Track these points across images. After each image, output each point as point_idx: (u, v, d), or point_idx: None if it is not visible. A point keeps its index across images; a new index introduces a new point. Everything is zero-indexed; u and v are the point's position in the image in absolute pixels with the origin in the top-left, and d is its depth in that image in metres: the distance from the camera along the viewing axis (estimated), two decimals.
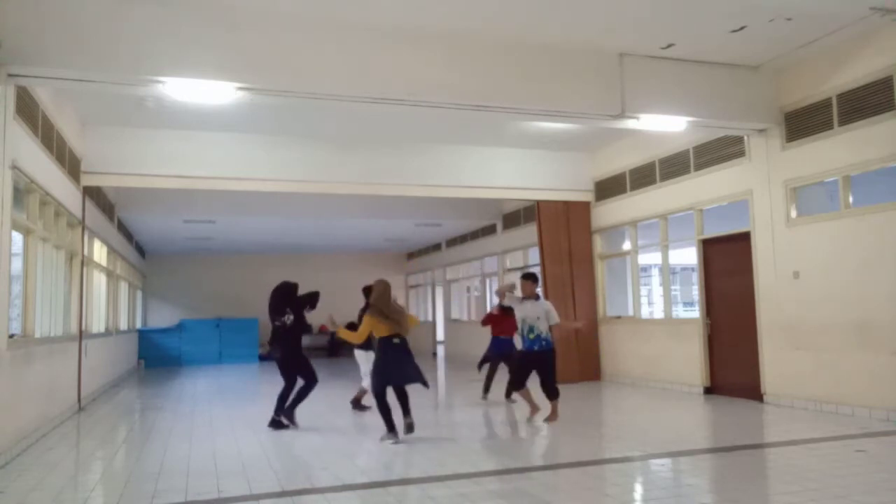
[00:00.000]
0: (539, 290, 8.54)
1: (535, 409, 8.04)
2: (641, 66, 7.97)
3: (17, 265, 7.16)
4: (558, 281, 12.11)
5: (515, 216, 15.19)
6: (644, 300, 17.17)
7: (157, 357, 19.07)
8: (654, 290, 24.73)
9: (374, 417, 8.53)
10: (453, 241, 19.62)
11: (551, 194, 12.31)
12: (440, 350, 21.16)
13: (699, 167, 9.99)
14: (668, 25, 7.26)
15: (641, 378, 11.17)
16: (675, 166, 10.49)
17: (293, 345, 8.03)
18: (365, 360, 8.86)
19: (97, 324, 12.18)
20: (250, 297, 21.14)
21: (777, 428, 7.46)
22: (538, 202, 12.39)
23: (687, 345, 10.20)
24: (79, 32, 6.26)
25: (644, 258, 13.06)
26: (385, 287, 7.20)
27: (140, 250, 19.54)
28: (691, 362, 10.09)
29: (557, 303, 11.95)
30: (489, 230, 16.83)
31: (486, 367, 9.88)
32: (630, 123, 8.25)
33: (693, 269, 11.38)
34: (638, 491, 5.20)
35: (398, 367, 7.01)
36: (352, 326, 8.05)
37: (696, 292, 10.63)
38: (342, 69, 7.05)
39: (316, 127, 10.58)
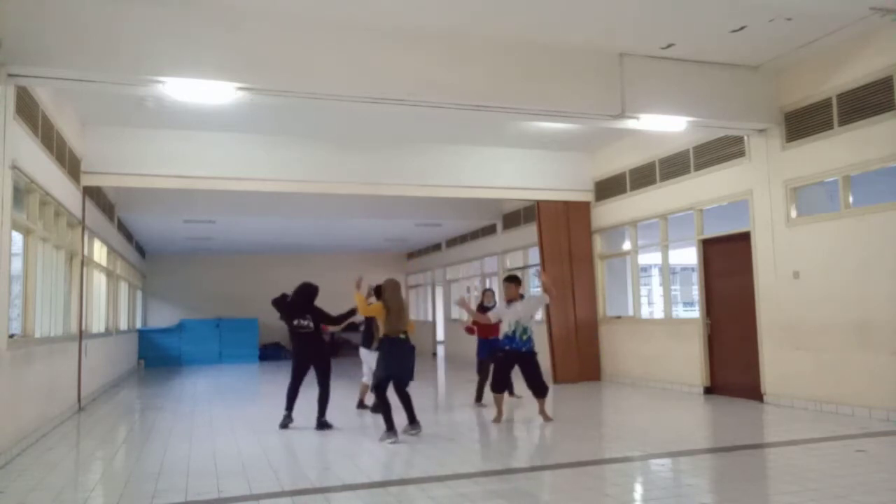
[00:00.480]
0: (539, 292, 8.51)
1: (501, 415, 7.97)
2: (641, 66, 7.97)
3: (17, 265, 7.16)
4: (558, 281, 12.10)
5: (515, 216, 15.19)
6: (644, 300, 17.17)
7: (157, 357, 19.08)
8: (654, 290, 24.73)
9: (375, 418, 8.54)
10: (453, 241, 19.62)
11: (551, 194, 12.31)
12: (440, 350, 21.16)
13: (699, 167, 9.99)
14: (668, 25, 7.26)
15: (641, 378, 11.17)
16: (675, 166, 10.49)
17: (319, 346, 8.11)
18: (368, 360, 8.85)
19: (97, 324, 12.18)
20: (250, 297, 21.16)
21: (777, 428, 7.46)
22: (538, 202, 12.39)
23: (687, 345, 10.20)
24: (79, 32, 6.26)
25: (644, 258, 13.06)
26: (396, 285, 7.43)
27: (140, 250, 19.54)
28: (691, 362, 10.09)
29: (557, 302, 12.00)
30: (489, 230, 16.83)
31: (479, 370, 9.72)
32: (630, 123, 8.25)
33: (693, 269, 11.39)
34: (638, 491, 5.20)
35: (401, 363, 7.13)
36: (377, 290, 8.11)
37: (696, 292, 10.63)
38: (342, 69, 7.05)
39: (316, 127, 10.58)
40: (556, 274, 12.12)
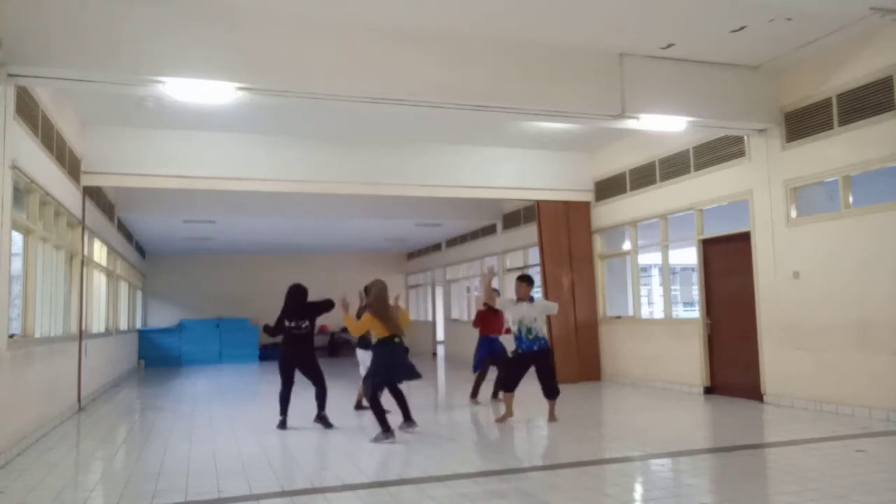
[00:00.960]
0: (539, 291, 8.51)
1: (509, 415, 7.98)
2: (641, 66, 7.97)
3: (17, 265, 7.16)
4: (558, 281, 12.11)
5: (515, 216, 15.19)
6: (644, 300, 17.18)
7: (157, 357, 19.08)
8: (654, 290, 24.72)
9: (374, 418, 8.55)
10: (453, 241, 19.62)
11: (551, 194, 12.31)
12: (440, 350, 21.16)
13: (699, 167, 9.99)
14: (668, 25, 7.26)
15: (641, 378, 11.17)
16: (675, 166, 10.49)
17: (308, 349, 8.07)
18: (365, 360, 8.85)
19: (97, 324, 12.18)
20: (250, 297, 21.21)
21: (777, 428, 7.46)
22: (538, 202, 12.39)
23: (687, 345, 10.20)
24: (79, 32, 6.26)
25: (644, 258, 13.06)
26: (382, 287, 7.28)
27: (140, 250, 19.54)
28: (691, 362, 10.09)
29: (557, 303, 11.98)
30: (489, 230, 16.83)
31: (477, 368, 9.75)
32: (630, 123, 8.25)
33: (693, 269, 11.39)
34: (638, 491, 5.20)
35: (394, 367, 7.12)
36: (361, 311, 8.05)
37: (696, 292, 10.63)
38: (342, 69, 7.05)
39: (316, 127, 10.58)
40: (556, 274, 12.14)
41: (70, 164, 9.12)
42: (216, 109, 8.97)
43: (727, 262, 9.63)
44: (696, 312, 10.48)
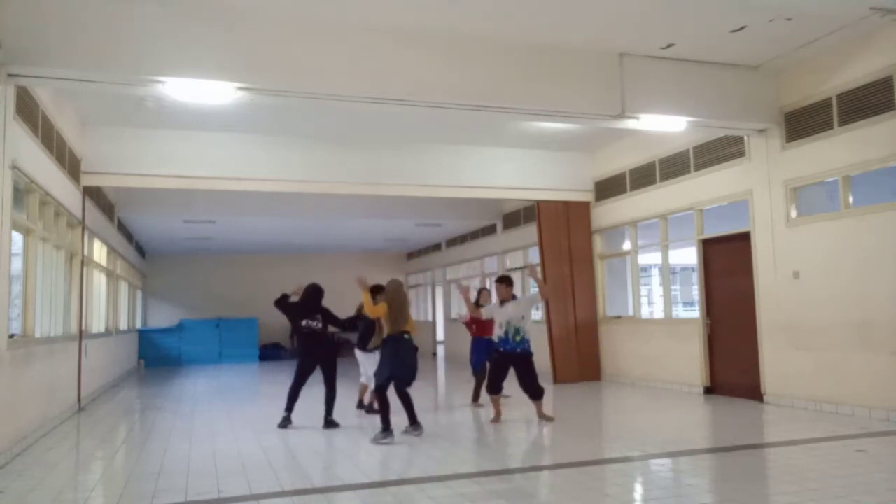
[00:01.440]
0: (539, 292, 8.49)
1: (499, 415, 7.97)
2: (641, 66, 7.97)
3: (17, 265, 7.16)
4: (558, 281, 12.11)
5: (515, 216, 15.18)
6: (644, 300, 17.17)
7: (157, 357, 19.09)
8: (654, 290, 24.71)
9: (372, 418, 8.55)
10: (453, 241, 19.62)
11: (551, 194, 12.31)
12: (440, 350, 21.17)
13: (699, 167, 9.99)
14: (668, 25, 7.26)
15: (641, 378, 11.17)
16: (675, 166, 10.49)
17: (330, 347, 8.26)
18: (364, 361, 8.87)
19: (97, 324, 12.18)
20: (250, 297, 21.19)
21: (777, 428, 7.46)
22: (538, 202, 12.39)
23: (687, 345, 10.20)
24: (79, 32, 6.26)
25: (644, 258, 13.06)
26: (400, 286, 7.42)
27: (140, 250, 19.54)
28: (691, 362, 10.09)
29: (557, 303, 12.00)
30: (489, 230, 16.83)
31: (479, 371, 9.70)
32: (630, 123, 8.25)
33: (693, 269, 11.38)
34: (638, 491, 5.20)
35: (404, 362, 7.13)
36: (375, 290, 8.05)
37: (696, 292, 10.63)
38: (342, 69, 7.05)
39: (316, 127, 10.58)
40: (556, 274, 12.14)
41: (70, 164, 9.12)
42: (216, 109, 8.97)
43: (727, 262, 9.63)
44: (696, 312, 10.48)
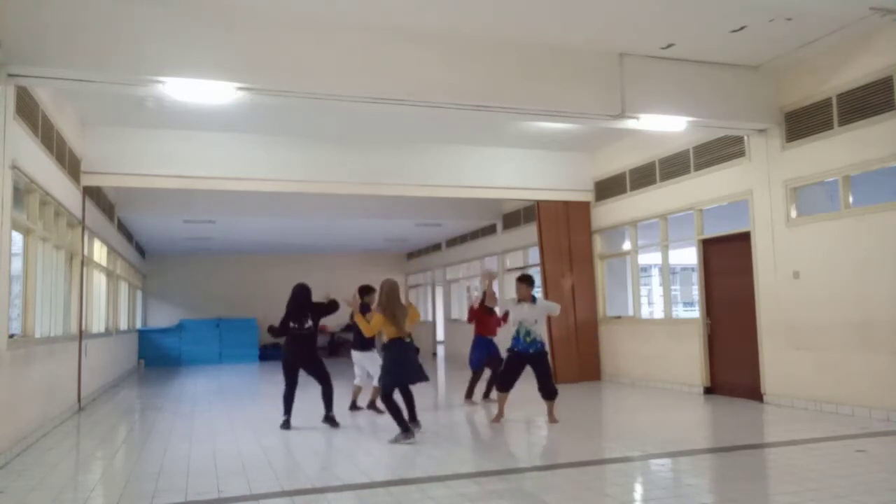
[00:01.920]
0: (539, 292, 8.49)
1: (501, 415, 7.96)
2: (641, 66, 7.97)
3: (17, 265, 7.15)
4: (558, 281, 12.10)
5: (515, 216, 15.19)
6: (644, 300, 17.17)
7: (157, 357, 19.09)
8: (654, 290, 24.71)
9: (371, 417, 8.55)
10: (453, 241, 19.62)
11: (551, 194, 12.31)
12: (440, 350, 21.17)
13: (699, 167, 9.99)
14: (668, 25, 7.26)
15: (641, 378, 11.17)
16: (675, 166, 10.49)
17: (311, 349, 8.10)
18: (361, 361, 8.85)
19: (97, 324, 12.18)
20: (250, 297, 21.21)
21: (777, 428, 7.46)
22: (538, 202, 12.39)
23: (687, 345, 10.20)
24: (79, 32, 6.25)
25: (644, 258, 13.06)
26: (393, 286, 7.25)
27: (140, 250, 19.54)
28: (691, 362, 10.09)
29: (557, 303, 11.97)
30: (489, 230, 16.83)
31: (477, 367, 9.71)
32: (630, 123, 8.25)
33: (693, 269, 11.38)
34: (638, 491, 5.20)
35: (407, 367, 7.08)
36: (364, 291, 8.05)
37: (696, 292, 10.63)
38: (342, 69, 7.05)
39: (316, 127, 10.58)
40: (556, 274, 12.13)
41: (70, 164, 9.12)
42: (216, 109, 8.97)
43: (727, 262, 9.63)
44: (696, 312, 10.48)
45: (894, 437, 6.63)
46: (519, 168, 12.07)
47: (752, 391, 9.03)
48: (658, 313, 19.92)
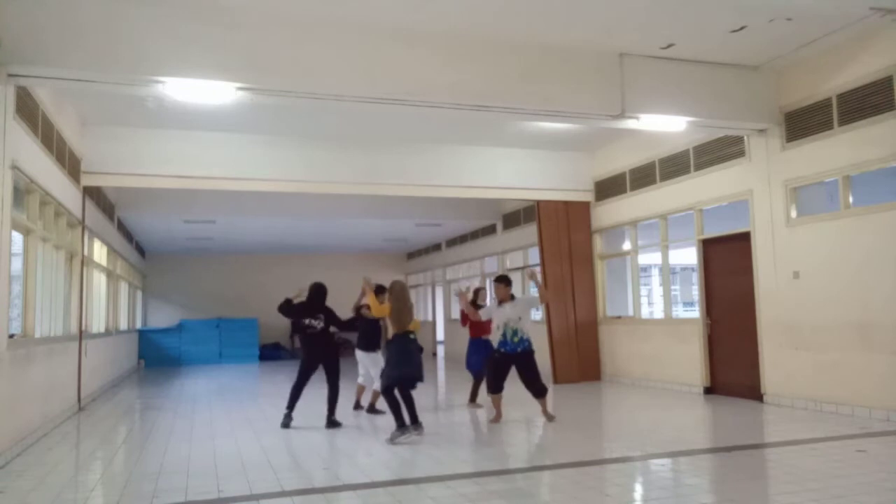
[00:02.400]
0: (539, 292, 8.48)
1: (499, 416, 7.96)
2: (641, 66, 7.97)
3: (17, 265, 7.15)
4: (558, 281, 12.11)
5: (515, 216, 15.18)
6: (644, 300, 17.16)
7: (157, 357, 19.10)
8: (654, 290, 24.71)
9: (371, 418, 8.55)
10: (453, 241, 19.62)
11: (551, 194, 12.31)
12: (440, 350, 21.17)
13: (699, 167, 9.99)
14: (668, 25, 7.25)
15: (641, 378, 11.17)
16: (675, 166, 10.49)
17: (328, 347, 8.23)
18: (365, 361, 8.85)
19: (97, 324, 12.18)
20: (250, 297, 21.20)
21: (777, 428, 7.46)
22: (538, 202, 12.39)
23: (687, 345, 10.20)
24: (79, 32, 6.25)
25: (644, 258, 13.06)
26: (403, 286, 7.44)
27: (140, 250, 19.54)
28: (691, 362, 10.09)
29: (557, 303, 12.00)
30: (489, 230, 16.83)
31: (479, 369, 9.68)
32: (630, 123, 8.25)
33: (693, 269, 11.37)
34: (638, 491, 5.20)
35: (411, 362, 7.13)
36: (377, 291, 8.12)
37: (696, 292, 10.63)
38: (342, 69, 7.05)
39: (316, 127, 10.57)
40: (555, 274, 12.14)
41: (70, 164, 9.12)
42: (216, 109, 8.97)
43: (727, 262, 9.63)
44: (696, 312, 10.48)
45: (894, 437, 6.63)
46: (519, 168, 12.07)
47: (752, 391, 9.03)
48: (658, 313, 19.92)
